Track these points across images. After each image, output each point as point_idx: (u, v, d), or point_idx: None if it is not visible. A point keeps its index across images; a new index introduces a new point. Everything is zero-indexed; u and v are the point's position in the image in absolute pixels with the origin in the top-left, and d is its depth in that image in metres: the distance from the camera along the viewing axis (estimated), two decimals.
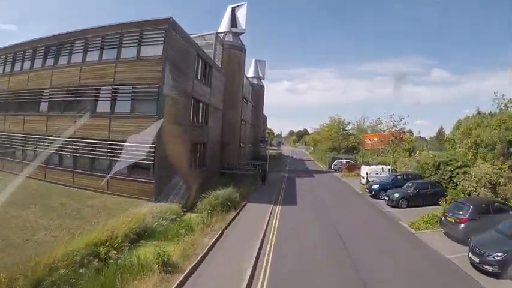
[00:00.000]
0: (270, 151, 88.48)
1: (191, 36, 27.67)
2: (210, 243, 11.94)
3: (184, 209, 18.06)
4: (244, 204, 19.46)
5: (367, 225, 15.80)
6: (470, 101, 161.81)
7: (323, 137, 57.26)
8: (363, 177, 27.93)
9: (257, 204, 19.84)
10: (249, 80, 60.83)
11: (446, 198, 18.26)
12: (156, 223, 15.11)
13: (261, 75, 67.76)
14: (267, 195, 23.02)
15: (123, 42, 22.34)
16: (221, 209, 16.16)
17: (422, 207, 19.68)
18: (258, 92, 65.02)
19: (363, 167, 28.99)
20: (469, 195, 19.12)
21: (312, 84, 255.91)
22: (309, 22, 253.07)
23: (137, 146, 20.49)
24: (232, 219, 15.69)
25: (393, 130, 26.65)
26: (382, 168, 27.77)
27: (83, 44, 23.77)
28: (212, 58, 32.74)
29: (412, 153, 34.29)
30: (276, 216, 16.94)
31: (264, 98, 68.68)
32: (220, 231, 13.41)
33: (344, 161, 42.21)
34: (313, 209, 19.31)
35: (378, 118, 25.87)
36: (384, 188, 22.85)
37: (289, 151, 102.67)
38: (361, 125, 48.65)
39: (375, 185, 23.60)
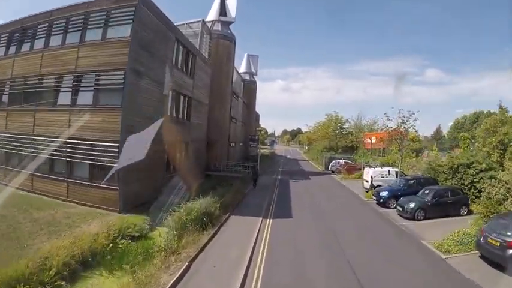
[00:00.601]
0: (263, 150, 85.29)
1: (176, 25, 24.31)
2: (168, 286, 8.30)
3: (152, 223, 14.51)
4: (227, 218, 15.73)
5: (385, 250, 12.21)
6: (463, 101, 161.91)
7: (319, 135, 53.88)
8: (367, 181, 24.49)
9: (243, 218, 16.11)
10: (240, 76, 57.24)
11: (477, 209, 14.93)
12: (111, 245, 11.54)
13: (253, 70, 64.23)
14: (256, 204, 19.35)
15: (89, 23, 18.90)
16: (195, 227, 12.52)
17: (442, 219, 16.59)
18: (250, 88, 61.43)
19: (366, 169, 25.52)
20: (499, 205, 15.74)
21: (306, 83, 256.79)
22: (304, 21, 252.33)
23: (99, 145, 17.02)
24: (207, 243, 11.98)
25: (402, 127, 23.27)
26: (389, 170, 24.35)
27: (47, 27, 20.40)
28: (198, 48, 29.19)
29: (419, 154, 31.02)
30: (266, 236, 13.21)
31: (257, 95, 65.32)
32: (186, 263, 9.73)
33: (342, 161, 38.83)
34: (312, 224, 15.64)
35: (385, 114, 22.46)
36: (394, 195, 19.44)
37: (282, 150, 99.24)
38: (359, 124, 45.44)
39: (383, 191, 20.13)
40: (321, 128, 52.93)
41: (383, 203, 19.58)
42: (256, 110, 76.96)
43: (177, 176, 23.68)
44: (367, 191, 23.91)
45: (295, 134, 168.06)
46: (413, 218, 16.62)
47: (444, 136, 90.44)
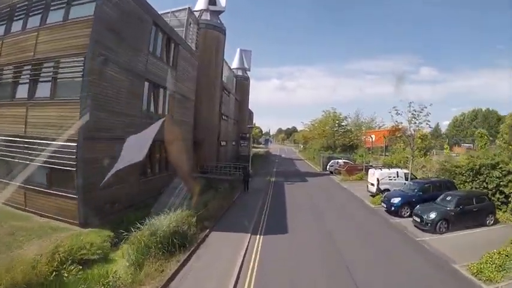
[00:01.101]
0: (257, 150, 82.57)
1: (160, 14, 21.49)
2: None
3: (116, 241, 11.63)
4: (207, 235, 12.65)
5: (412, 282, 9.39)
6: (458, 99, 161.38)
7: (315, 134, 51.09)
8: (372, 185, 21.68)
9: (226, 235, 13.01)
10: (232, 71, 54.22)
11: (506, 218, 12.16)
12: (55, 273, 8.75)
13: (246, 66, 61.25)
14: (245, 215, 16.29)
15: (51, 2, 15.78)
16: (160, 252, 9.55)
17: (467, 231, 14.03)
18: (243, 84, 58.47)
19: (371, 171, 22.66)
20: None
21: (301, 82, 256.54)
22: (298, 19, 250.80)
23: (56, 144, 14.04)
24: (175, 274, 8.97)
25: (412, 123, 20.42)
26: (397, 172, 21.56)
27: (8, 11, 17.37)
28: (184, 38, 26.26)
29: (428, 153, 28.31)
30: (253, 263, 10.22)
31: (252, 94, 62.54)
32: None
33: (341, 161, 36.03)
34: (313, 242, 12.75)
35: (394, 108, 19.35)
36: (408, 201, 16.63)
37: (277, 149, 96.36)
38: (358, 121, 42.67)
39: (394, 197, 17.25)
40: (317, 125, 50.10)
41: (394, 212, 16.75)
42: (250, 108, 74.42)
43: (156, 180, 20.79)
44: (373, 196, 21.11)
45: (290, 133, 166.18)
46: (434, 231, 13.84)
47: (442, 134, 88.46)
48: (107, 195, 14.68)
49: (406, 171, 22.08)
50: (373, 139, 38.17)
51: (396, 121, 20.89)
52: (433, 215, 14.11)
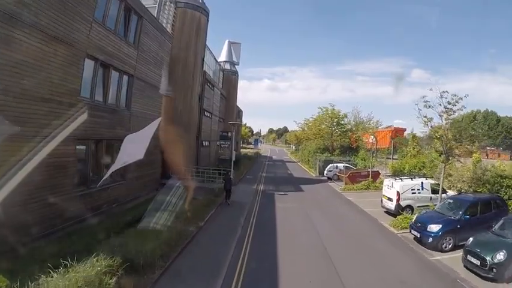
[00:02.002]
0: (246, 150, 77.32)
1: None
2: None
3: None
4: None
5: None
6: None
7: (310, 133, 46.10)
8: (390, 199, 16.74)
9: None
10: (219, 64, 48.96)
11: None
12: None
13: (235, 59, 56.15)
14: (214, 251, 11.11)
15: None
16: None
17: None
18: (230, 79, 53.27)
19: (387, 181, 17.59)
20: None
21: (293, 82, 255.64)
22: (290, 20, 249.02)
23: None
24: None
25: (445, 117, 15.45)
26: (422, 183, 16.65)
27: None
28: (156, 16, 21.16)
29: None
30: None
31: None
32: None
33: (341, 165, 31.10)
34: None
35: (423, 98, 14.87)
36: (452, 228, 11.71)
37: (268, 150, 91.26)
38: (359, 119, 37.80)
39: (432, 223, 12.07)
40: (312, 124, 45.15)
41: (431, 243, 11.75)
42: (240, 106, 69.31)
43: (105, 192, 15.51)
44: (391, 214, 16.21)
45: (281, 133, 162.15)
46: (503, 278, 8.93)
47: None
48: (16, 213, 9.32)
49: (431, 181, 17.23)
50: (374, 140, 33.69)
51: (425, 116, 15.84)
52: (501, 255, 9.19)
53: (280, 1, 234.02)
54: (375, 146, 31.72)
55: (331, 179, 30.18)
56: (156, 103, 22.11)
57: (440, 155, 22.74)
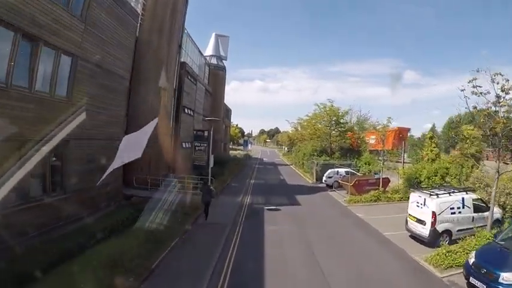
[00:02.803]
0: (235, 152, 72.42)
1: None
2: None
3: None
4: None
5: None
6: (439, 102, 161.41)
7: (306, 134, 41.56)
8: (420, 222, 12.23)
9: None
10: (204, 58, 44.24)
11: None
12: None
13: (222, 53, 51.45)
14: None
15: None
16: None
17: None
18: (217, 75, 48.52)
19: (415, 196, 13.01)
20: None
21: (284, 83, 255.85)
22: (282, 21, 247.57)
23: None
24: None
25: (506, 108, 11.04)
26: (463, 199, 12.23)
27: None
28: None
29: (479, 162, 19.13)
30: None
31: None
32: None
33: (342, 170, 26.57)
34: None
35: (472, 80, 11.29)
36: None
37: (258, 152, 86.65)
38: (361, 117, 33.33)
39: (506, 268, 7.71)
40: (307, 123, 40.59)
41: None
42: (231, 107, 64.47)
43: (41, 207, 10.86)
44: (424, 241, 11.74)
45: (272, 134, 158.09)
46: None
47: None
48: None
49: (473, 195, 12.84)
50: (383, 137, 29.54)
51: (475, 106, 11.37)
52: None
53: (271, 2, 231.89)
54: (383, 147, 27.39)
55: (331, 187, 25.69)
56: (116, 95, 17.45)
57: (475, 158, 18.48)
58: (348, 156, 30.80)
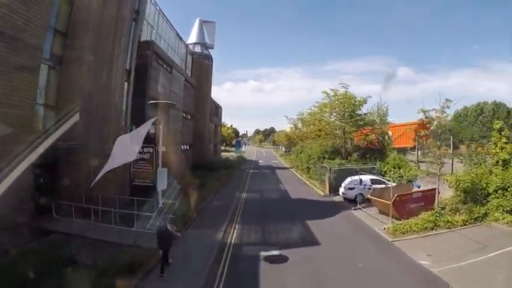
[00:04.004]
0: (228, 154, 64.91)
1: None
2: None
3: None
4: None
5: None
6: (433, 98, 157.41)
7: (309, 131, 34.14)
8: None
9: None
10: (186, 46, 36.97)
11: None
12: None
13: (208, 41, 43.83)
14: None
15: None
16: None
17: None
18: (202, 65, 41.02)
19: None
20: None
21: (279, 83, 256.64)
22: (275, 20, 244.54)
23: None
24: None
25: None
26: None
27: None
28: None
29: None
30: None
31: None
32: None
33: (367, 178, 19.19)
34: None
35: None
36: None
37: (253, 153, 79.14)
38: (382, 109, 25.76)
39: None
40: (311, 118, 33.12)
41: None
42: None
43: None
44: None
45: (268, 134, 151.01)
46: None
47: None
48: None
49: None
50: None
51: None
52: None
53: (263, 1, 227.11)
54: (420, 142, 20.39)
55: (354, 202, 18.52)
56: (20, 75, 10.24)
57: None
58: (369, 158, 23.59)
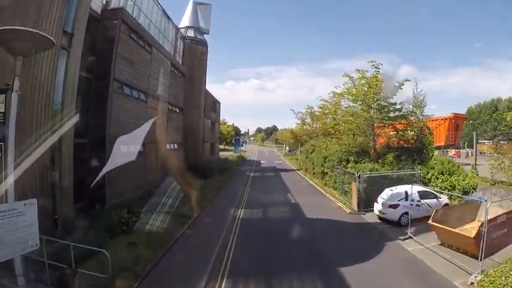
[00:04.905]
0: (226, 153, 59.30)
1: None
2: None
3: None
4: None
5: None
6: (434, 96, 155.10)
7: (325, 127, 27.93)
8: None
9: None
10: (173, 24, 31.37)
11: None
12: None
13: (203, 25, 38.14)
14: None
15: None
16: None
17: None
18: (196, 51, 35.35)
19: None
20: None
21: (281, 82, 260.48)
22: (276, 19, 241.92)
23: None
24: None
25: None
26: None
27: None
28: None
29: None
30: None
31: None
32: None
33: (415, 190, 13.45)
34: None
35: None
36: None
37: (255, 152, 73.47)
38: (419, 97, 19.75)
39: None
40: (323, 111, 27.15)
41: None
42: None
43: None
44: None
45: (270, 132, 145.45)
46: None
47: None
48: None
49: None
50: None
51: None
52: None
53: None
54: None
55: (398, 224, 12.97)
56: None
57: None
58: (404, 161, 17.90)
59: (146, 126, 20.89)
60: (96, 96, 16.71)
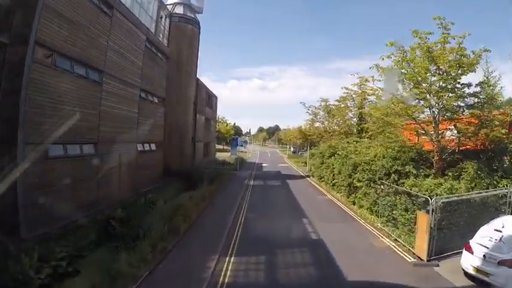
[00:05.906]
0: (223, 155, 52.83)
1: None
2: None
3: None
4: None
5: None
6: None
7: (348, 124, 21.45)
8: None
9: None
10: (165, 6, 25.11)
11: None
12: None
13: (194, 2, 31.98)
14: None
15: None
16: None
17: None
18: (185, 31, 28.85)
19: None
20: None
21: (283, 82, 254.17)
22: (279, 18, 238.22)
23: None
24: None
25: None
26: None
27: None
28: None
29: None
30: None
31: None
32: None
33: None
34: None
35: None
36: None
37: (256, 154, 66.99)
38: (493, 77, 13.64)
39: None
40: (344, 103, 20.78)
41: None
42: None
43: None
44: None
45: (272, 132, 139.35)
46: None
47: None
48: None
49: None
50: None
51: None
52: None
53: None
54: None
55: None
56: None
57: None
58: (479, 170, 11.60)
59: (99, 119, 14.68)
60: (8, 70, 10.58)
